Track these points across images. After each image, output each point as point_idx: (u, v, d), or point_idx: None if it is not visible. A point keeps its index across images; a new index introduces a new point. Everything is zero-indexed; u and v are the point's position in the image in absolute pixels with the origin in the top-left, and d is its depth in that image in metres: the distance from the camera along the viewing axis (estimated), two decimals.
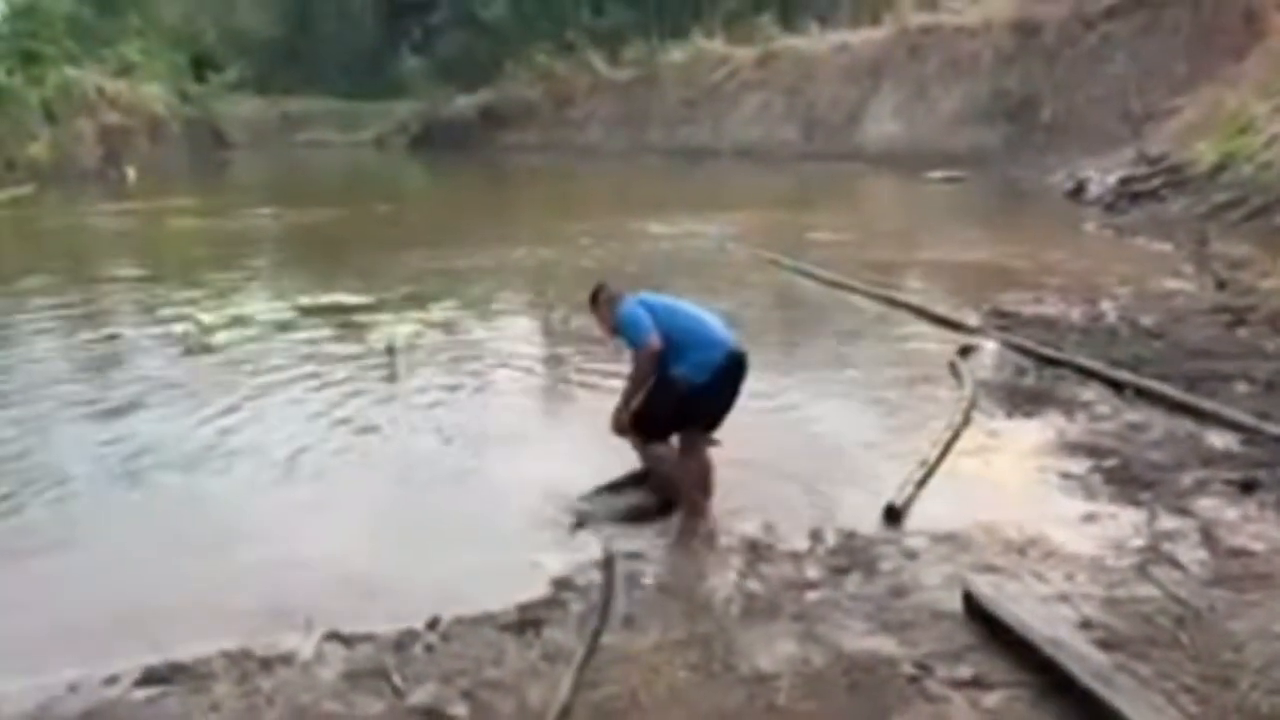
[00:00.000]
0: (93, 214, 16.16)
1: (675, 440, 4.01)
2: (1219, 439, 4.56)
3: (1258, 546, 3.54)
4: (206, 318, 7.55)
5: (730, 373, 3.87)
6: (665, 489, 4.00)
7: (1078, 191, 13.95)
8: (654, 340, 3.77)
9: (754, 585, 3.36)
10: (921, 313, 7.37)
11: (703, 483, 4.01)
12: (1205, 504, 3.89)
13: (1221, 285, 7.87)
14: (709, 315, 4.03)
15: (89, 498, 4.40)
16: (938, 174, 17.37)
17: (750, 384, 3.99)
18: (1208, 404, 4.91)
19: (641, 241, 11.35)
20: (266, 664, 2.97)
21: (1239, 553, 3.49)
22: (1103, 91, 17.95)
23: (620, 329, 3.95)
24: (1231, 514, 3.80)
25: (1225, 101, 13.23)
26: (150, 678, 2.90)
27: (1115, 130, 16.42)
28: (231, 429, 5.18)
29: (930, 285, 8.68)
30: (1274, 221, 9.91)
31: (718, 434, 4.16)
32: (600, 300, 4.09)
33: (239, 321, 7.59)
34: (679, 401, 3.85)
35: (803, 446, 4.71)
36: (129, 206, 16.57)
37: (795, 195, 17.66)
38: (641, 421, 3.92)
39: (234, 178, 25.84)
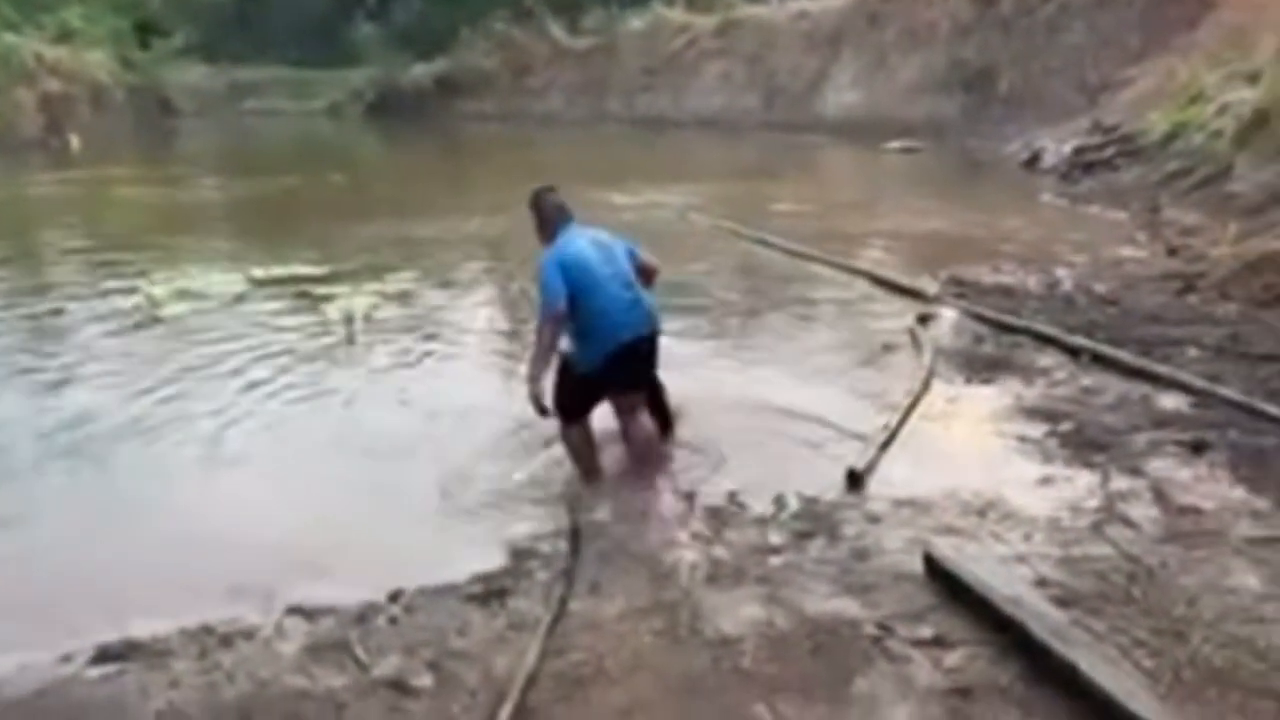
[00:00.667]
0: (35, 184, 15.63)
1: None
2: (1171, 402, 4.66)
3: (1208, 505, 3.62)
4: (157, 290, 7.37)
5: (626, 358, 3.88)
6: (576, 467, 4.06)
7: (1033, 161, 14.06)
8: (559, 308, 3.78)
9: (719, 551, 3.38)
10: (881, 281, 7.40)
11: (643, 449, 4.03)
12: (1157, 465, 3.98)
13: (1173, 252, 8.00)
14: (619, 289, 3.88)
15: (36, 473, 4.29)
16: (895, 144, 17.41)
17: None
18: (1160, 368, 5.01)
19: (604, 212, 11.15)
20: (226, 639, 2.92)
21: (1190, 511, 3.58)
22: (1059, 62, 18.06)
23: (538, 275, 3.94)
24: (1183, 474, 3.89)
25: (1177, 71, 13.38)
26: (105, 655, 2.84)
27: (1071, 100, 16.55)
28: (183, 403, 5.07)
29: (889, 254, 8.72)
30: (1223, 190, 10.06)
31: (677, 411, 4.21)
32: (543, 206, 4.10)
33: (190, 294, 7.41)
34: (579, 384, 3.93)
35: (764, 413, 4.72)
36: (73, 176, 16.05)
37: (756, 165, 17.61)
38: (556, 405, 3.96)
39: (182, 147, 25.14)
